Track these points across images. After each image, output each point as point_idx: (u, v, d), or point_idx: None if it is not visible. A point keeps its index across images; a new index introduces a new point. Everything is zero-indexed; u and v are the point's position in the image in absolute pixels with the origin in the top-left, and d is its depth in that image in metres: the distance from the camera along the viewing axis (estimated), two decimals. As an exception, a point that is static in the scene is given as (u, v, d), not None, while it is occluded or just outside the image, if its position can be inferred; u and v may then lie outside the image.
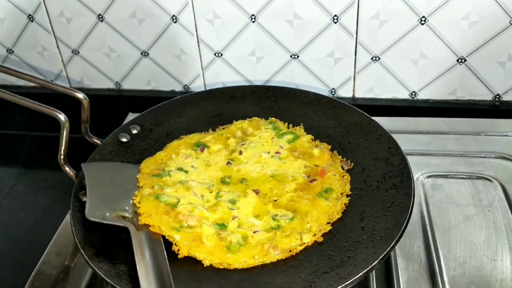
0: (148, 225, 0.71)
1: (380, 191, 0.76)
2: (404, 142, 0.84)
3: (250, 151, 0.84)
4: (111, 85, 1.15)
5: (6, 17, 1.10)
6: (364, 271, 0.64)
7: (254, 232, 0.71)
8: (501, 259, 0.73)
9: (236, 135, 0.88)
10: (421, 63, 0.99)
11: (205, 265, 0.68)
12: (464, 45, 0.96)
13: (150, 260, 0.65)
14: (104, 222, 0.71)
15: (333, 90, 1.06)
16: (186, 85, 1.12)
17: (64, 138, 0.77)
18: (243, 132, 0.89)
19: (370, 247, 0.67)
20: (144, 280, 0.62)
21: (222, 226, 0.72)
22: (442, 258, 0.73)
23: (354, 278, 0.63)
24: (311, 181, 0.78)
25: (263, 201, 0.75)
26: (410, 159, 0.78)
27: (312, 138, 0.87)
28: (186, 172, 0.80)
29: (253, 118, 0.92)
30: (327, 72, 1.04)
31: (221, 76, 1.08)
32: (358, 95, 1.06)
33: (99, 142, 0.88)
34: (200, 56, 1.07)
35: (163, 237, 0.70)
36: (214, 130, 0.91)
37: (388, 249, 0.65)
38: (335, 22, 0.97)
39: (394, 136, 0.83)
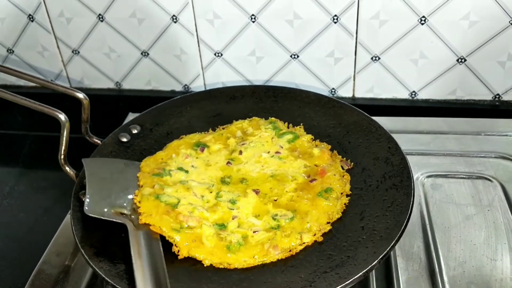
0: (147, 224, 0.72)
1: (380, 191, 0.76)
2: (404, 142, 0.84)
3: (250, 151, 0.84)
4: (111, 85, 1.15)
5: (6, 17, 1.10)
6: (364, 271, 0.64)
7: (254, 232, 0.71)
8: (500, 259, 0.73)
9: (236, 135, 0.88)
10: (421, 63, 0.99)
11: (205, 265, 0.68)
12: (464, 45, 0.96)
13: (146, 258, 0.65)
14: (102, 218, 0.71)
15: (333, 90, 1.06)
16: (186, 85, 1.12)
17: (64, 138, 0.77)
18: (243, 132, 0.89)
19: (370, 247, 0.67)
20: (140, 277, 0.62)
21: (222, 226, 0.72)
22: (442, 258, 0.73)
23: (354, 278, 0.63)
24: (311, 181, 0.78)
25: (263, 201, 0.75)
26: (410, 159, 0.78)
27: (312, 138, 0.87)
28: (187, 172, 0.80)
29: (253, 118, 0.92)
30: (327, 72, 1.04)
31: (221, 76, 1.08)
32: (358, 95, 1.06)
33: (99, 142, 0.88)
34: (200, 56, 1.07)
35: (163, 237, 0.70)
36: (214, 130, 0.91)
37: (388, 249, 0.65)
38: (335, 22, 0.97)
39: (394, 136, 0.83)
